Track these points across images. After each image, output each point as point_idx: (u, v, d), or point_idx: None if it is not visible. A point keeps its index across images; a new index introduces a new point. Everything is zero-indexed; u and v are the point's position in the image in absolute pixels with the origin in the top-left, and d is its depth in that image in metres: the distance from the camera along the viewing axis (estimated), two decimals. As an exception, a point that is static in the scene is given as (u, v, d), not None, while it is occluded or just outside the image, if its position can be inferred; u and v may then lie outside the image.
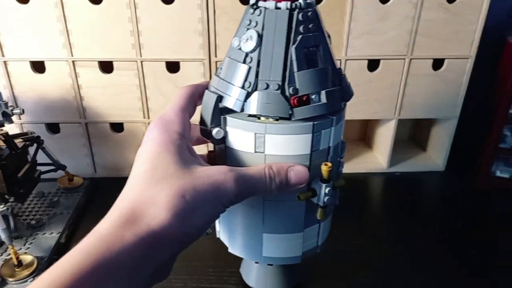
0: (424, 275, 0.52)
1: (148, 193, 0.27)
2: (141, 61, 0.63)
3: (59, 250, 0.54)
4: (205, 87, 0.37)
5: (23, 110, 0.56)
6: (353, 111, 0.69)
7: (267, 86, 0.34)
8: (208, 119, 0.35)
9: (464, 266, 0.53)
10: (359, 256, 0.55)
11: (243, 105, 0.34)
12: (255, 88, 0.34)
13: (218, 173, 0.30)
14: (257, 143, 0.35)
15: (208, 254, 0.53)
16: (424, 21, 0.62)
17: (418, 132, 0.85)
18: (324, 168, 0.35)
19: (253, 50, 0.34)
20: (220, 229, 0.44)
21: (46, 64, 0.63)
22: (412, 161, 0.78)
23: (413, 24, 0.62)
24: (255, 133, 0.34)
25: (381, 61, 0.65)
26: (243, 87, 0.34)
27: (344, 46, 0.63)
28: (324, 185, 0.35)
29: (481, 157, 0.71)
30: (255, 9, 0.34)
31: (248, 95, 0.34)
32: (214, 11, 0.60)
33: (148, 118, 0.67)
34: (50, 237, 0.55)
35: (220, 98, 0.35)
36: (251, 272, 0.48)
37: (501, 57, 0.68)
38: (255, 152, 0.35)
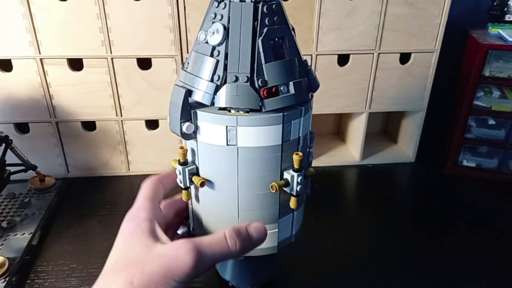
0: (396, 257, 0.53)
1: (103, 285, 0.29)
2: (112, 58, 0.62)
3: (31, 251, 0.53)
4: (169, 177, 0.40)
5: (-11, 110, 0.55)
6: (326, 105, 0.70)
7: (236, 79, 0.34)
8: (177, 114, 0.35)
9: (431, 242, 0.55)
10: (334, 245, 0.56)
11: (213, 99, 0.34)
12: (224, 81, 0.34)
13: (171, 249, 0.30)
14: (229, 136, 0.35)
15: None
16: (390, 16, 0.64)
17: (389, 126, 0.87)
18: (296, 158, 0.36)
19: (220, 43, 0.34)
20: (194, 225, 0.44)
21: (13, 63, 0.62)
22: (384, 153, 0.80)
23: (379, 19, 0.64)
24: (227, 126, 0.35)
25: (351, 56, 0.67)
26: (211, 80, 0.34)
27: (314, 41, 0.64)
28: (296, 174, 0.36)
29: (449, 147, 0.74)
30: (219, 2, 0.34)
31: (217, 88, 0.34)
32: (185, 7, 0.60)
33: (121, 115, 0.67)
34: (21, 238, 0.54)
35: (189, 93, 0.35)
36: (227, 267, 0.49)
37: (465, 50, 0.71)
38: (227, 145, 0.36)
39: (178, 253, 0.30)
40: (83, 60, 0.62)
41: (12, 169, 0.58)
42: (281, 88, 0.35)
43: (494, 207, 0.65)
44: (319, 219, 0.61)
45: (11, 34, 0.59)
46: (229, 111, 0.34)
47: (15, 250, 0.52)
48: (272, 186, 0.37)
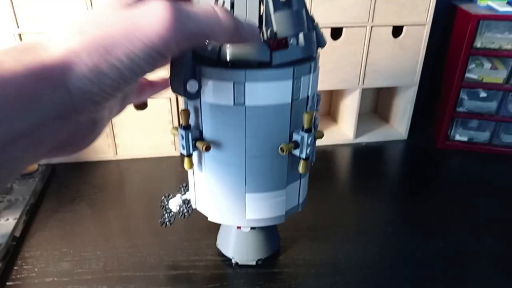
0: (390, 223, 0.52)
1: (51, 34, 0.22)
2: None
3: (17, 236, 0.50)
4: None
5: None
6: (319, 81, 0.69)
7: None
8: (180, 71, 0.33)
9: (422, 208, 0.55)
10: (331, 217, 0.55)
11: (219, 53, 0.32)
12: None
13: (143, 7, 0.23)
14: (236, 94, 0.33)
15: (182, 227, 0.51)
16: (383, -14, 0.63)
17: (380, 105, 0.87)
18: (307, 117, 0.34)
19: None
20: (197, 199, 0.41)
21: None
22: (377, 131, 0.80)
23: (373, -11, 0.63)
24: (234, 82, 0.33)
25: (344, 29, 0.66)
26: None
27: (307, 13, 0.63)
28: (306, 135, 0.35)
29: (440, 122, 0.74)
30: None
31: None
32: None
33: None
34: (6, 223, 0.50)
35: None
36: (229, 243, 0.46)
37: (453, 24, 0.71)
38: (234, 104, 0.33)
39: (150, 8, 0.22)
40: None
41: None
42: (290, 41, 0.33)
43: (485, 177, 0.66)
44: (315, 194, 0.59)
45: None
46: (236, 65, 0.32)
47: (1, 236, 0.48)
48: (282, 149, 0.35)
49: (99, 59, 0.21)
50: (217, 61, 0.32)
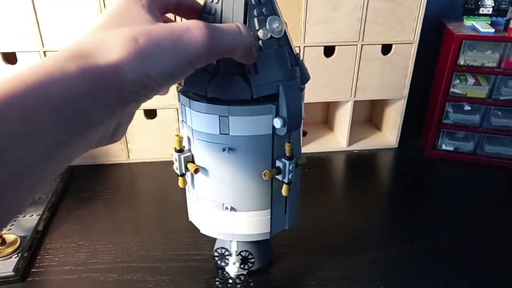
0: (381, 227, 0.58)
1: (100, 36, 0.25)
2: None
3: (40, 230, 0.57)
4: None
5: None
6: (314, 94, 0.75)
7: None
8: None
9: (411, 214, 0.61)
10: (324, 222, 0.61)
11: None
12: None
13: (180, 23, 0.27)
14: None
15: (185, 226, 0.57)
16: (371, 9, 0.69)
17: (374, 115, 0.92)
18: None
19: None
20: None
21: (18, 56, 0.65)
22: (369, 140, 0.85)
23: (362, 12, 0.69)
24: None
25: (336, 48, 0.72)
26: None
27: (302, 33, 0.69)
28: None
29: (428, 132, 0.79)
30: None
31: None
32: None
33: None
34: (30, 219, 0.58)
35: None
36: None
37: (442, 41, 0.76)
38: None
39: (188, 26, 0.26)
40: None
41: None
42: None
43: (469, 185, 0.71)
44: (309, 199, 0.65)
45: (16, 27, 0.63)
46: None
47: (26, 229, 0.56)
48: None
49: (149, 65, 0.25)
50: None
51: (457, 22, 0.76)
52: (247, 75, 0.34)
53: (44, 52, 0.65)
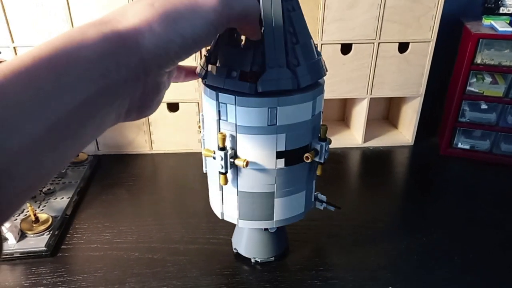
0: (396, 222, 0.60)
1: (120, 8, 0.27)
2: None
3: (70, 211, 0.62)
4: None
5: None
6: (330, 90, 0.77)
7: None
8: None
9: (425, 209, 0.62)
10: (340, 214, 0.63)
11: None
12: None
13: None
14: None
15: (202, 213, 0.61)
16: (388, 8, 0.70)
17: (390, 112, 0.93)
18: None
19: None
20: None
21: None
22: (385, 137, 0.86)
23: (379, 10, 0.70)
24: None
25: (353, 45, 0.74)
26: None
27: (319, 31, 0.71)
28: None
29: (444, 130, 0.80)
30: None
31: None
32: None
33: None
34: (61, 201, 0.62)
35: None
36: (241, 242, 0.52)
37: (460, 40, 0.77)
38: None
39: None
40: None
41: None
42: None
43: (483, 183, 0.71)
44: (323, 191, 0.67)
45: None
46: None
47: (56, 210, 0.60)
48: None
49: (168, 28, 0.25)
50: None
51: (475, 21, 0.77)
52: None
53: (14, 48, 0.68)
